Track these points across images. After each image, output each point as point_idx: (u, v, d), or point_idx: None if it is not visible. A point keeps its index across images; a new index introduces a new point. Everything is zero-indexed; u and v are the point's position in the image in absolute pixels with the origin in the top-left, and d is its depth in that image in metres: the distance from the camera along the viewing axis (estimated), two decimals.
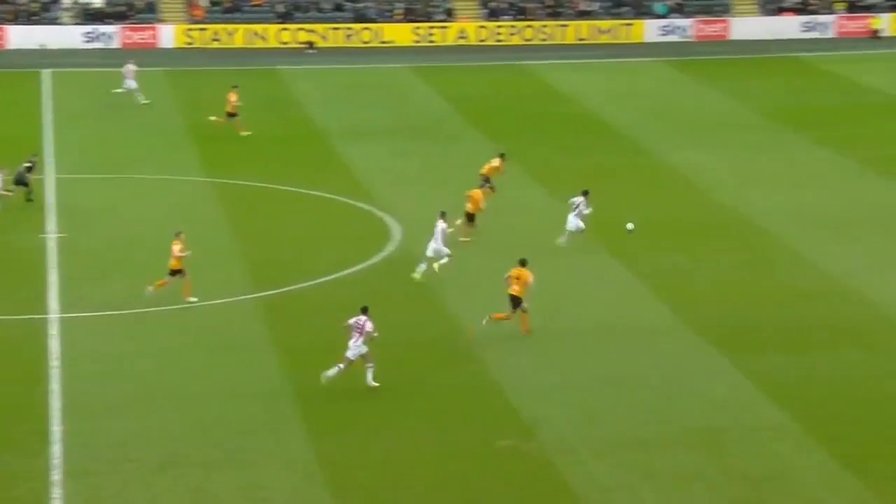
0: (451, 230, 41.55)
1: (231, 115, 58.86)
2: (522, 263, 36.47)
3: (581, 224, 43.14)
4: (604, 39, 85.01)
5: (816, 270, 41.50)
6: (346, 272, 41.50)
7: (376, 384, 32.71)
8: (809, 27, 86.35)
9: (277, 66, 76.19)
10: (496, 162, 48.09)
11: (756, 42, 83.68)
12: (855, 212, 47.48)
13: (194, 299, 38.41)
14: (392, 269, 41.99)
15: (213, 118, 59.23)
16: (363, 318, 32.82)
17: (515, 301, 36.12)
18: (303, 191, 50.66)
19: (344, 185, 51.32)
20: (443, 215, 40.94)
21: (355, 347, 32.64)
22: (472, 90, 70.99)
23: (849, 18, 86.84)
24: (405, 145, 58.69)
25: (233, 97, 59.15)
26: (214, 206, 48.90)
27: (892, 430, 30.76)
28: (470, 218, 43.83)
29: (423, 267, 40.35)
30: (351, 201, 49.28)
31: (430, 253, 40.42)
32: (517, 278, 36.16)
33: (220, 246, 44.01)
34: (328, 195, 50.04)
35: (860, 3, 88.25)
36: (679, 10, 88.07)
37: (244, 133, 58.58)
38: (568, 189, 48.15)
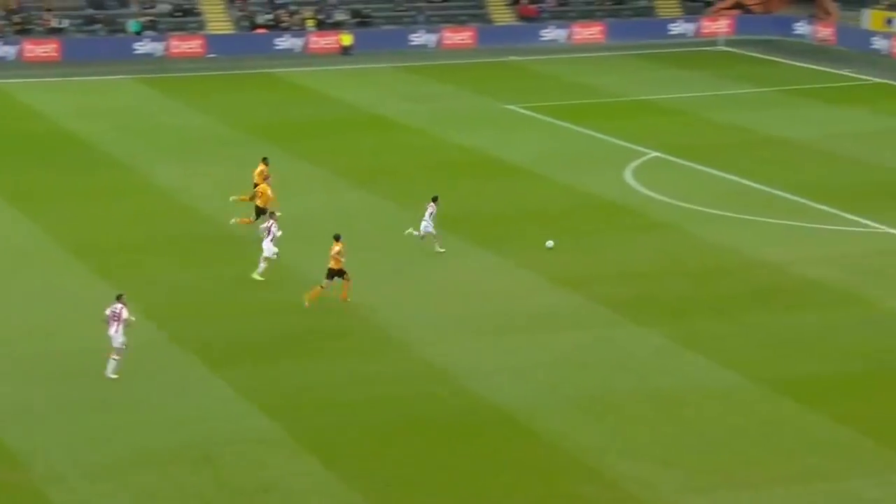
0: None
1: None
2: (336, 238, 39.88)
3: (430, 228, 44.37)
4: (70, 57, 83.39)
5: (304, 280, 42.23)
6: None
7: (115, 376, 33.70)
8: (283, 43, 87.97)
9: None
10: (261, 167, 48.58)
11: (232, 58, 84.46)
12: (333, 222, 48.61)
13: None
14: None
15: None
16: (119, 305, 33.78)
17: (332, 273, 39.58)
18: None
19: None
20: (272, 214, 42.86)
21: (118, 336, 33.63)
22: None
23: (320, 35, 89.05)
24: None
25: None
26: None
27: (373, 431, 31.73)
28: (260, 212, 45.63)
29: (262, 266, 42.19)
30: None
31: (267, 253, 42.02)
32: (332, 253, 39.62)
33: None
34: None
35: (329, 21, 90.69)
36: (153, 28, 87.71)
37: None
38: (51, 208, 47.22)
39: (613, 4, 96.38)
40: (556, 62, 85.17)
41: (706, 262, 44.39)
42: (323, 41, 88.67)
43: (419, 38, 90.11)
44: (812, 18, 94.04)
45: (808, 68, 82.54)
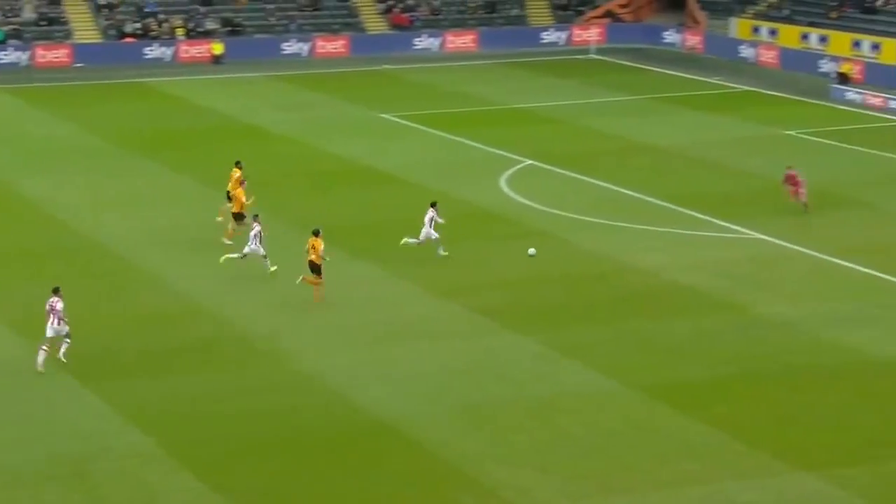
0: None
1: None
2: (315, 234, 40.64)
3: (434, 233, 44.28)
4: None
5: (174, 292, 41.80)
6: None
7: (65, 360, 34.87)
8: (152, 52, 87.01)
9: None
10: (236, 172, 48.19)
11: (101, 68, 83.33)
12: (206, 232, 48.23)
13: None
14: None
15: None
16: (55, 298, 34.94)
17: (314, 267, 40.50)
18: None
19: None
20: (255, 217, 43.35)
21: (52, 328, 34.80)
22: None
23: (190, 44, 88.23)
24: None
25: None
26: None
27: (251, 444, 31.45)
28: (238, 217, 46.03)
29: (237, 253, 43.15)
30: None
31: (246, 250, 42.81)
32: (313, 247, 40.49)
33: None
34: None
35: (199, 30, 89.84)
36: (17, 37, 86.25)
37: None
38: None
39: (485, 13, 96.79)
40: (429, 71, 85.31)
41: (581, 270, 44.64)
42: (194, 50, 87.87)
43: (291, 46, 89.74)
44: (681, 27, 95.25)
45: (677, 76, 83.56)
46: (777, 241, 47.77)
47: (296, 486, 29.56)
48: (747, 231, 49.03)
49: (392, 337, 38.47)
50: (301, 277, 41.06)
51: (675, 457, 30.97)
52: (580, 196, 54.16)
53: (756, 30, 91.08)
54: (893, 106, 73.14)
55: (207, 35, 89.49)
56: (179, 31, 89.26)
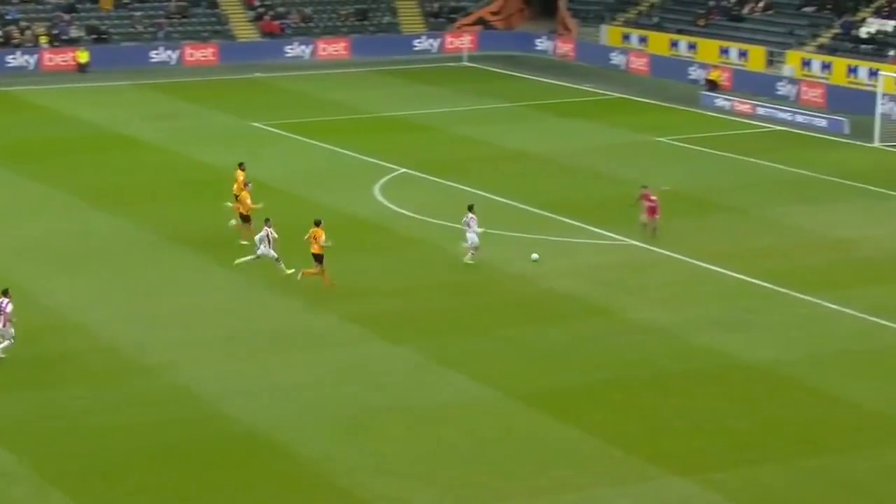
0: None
1: None
2: (317, 224, 41.70)
3: (475, 238, 44.33)
4: None
5: (40, 305, 40.93)
6: None
7: (3, 356, 35.52)
8: (14, 61, 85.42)
9: None
10: (239, 174, 48.37)
11: None
12: (73, 244, 47.40)
13: None
14: None
15: None
16: (4, 300, 35.42)
17: (318, 258, 41.54)
18: None
19: None
20: (266, 221, 43.46)
21: (8, 330, 35.52)
22: None
23: (54, 52, 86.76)
24: None
25: None
26: None
27: (123, 460, 30.84)
28: (245, 219, 46.64)
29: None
30: None
31: (260, 252, 43.14)
32: (314, 238, 41.47)
33: None
34: None
35: (64, 37, 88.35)
36: None
37: None
38: None
39: (357, 20, 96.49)
40: (301, 79, 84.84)
41: (457, 278, 44.51)
42: (58, 58, 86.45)
43: (160, 54, 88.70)
44: (552, 34, 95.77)
45: (549, 83, 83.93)
46: (649, 247, 48.06)
47: (168, 500, 29.00)
48: (620, 237, 49.26)
49: (266, 348, 38.00)
50: (301, 273, 42.21)
51: (551, 464, 30.94)
52: (454, 204, 53.94)
53: (626, 37, 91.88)
54: (761, 112, 74.15)
55: (72, 43, 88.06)
56: (43, 39, 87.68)
